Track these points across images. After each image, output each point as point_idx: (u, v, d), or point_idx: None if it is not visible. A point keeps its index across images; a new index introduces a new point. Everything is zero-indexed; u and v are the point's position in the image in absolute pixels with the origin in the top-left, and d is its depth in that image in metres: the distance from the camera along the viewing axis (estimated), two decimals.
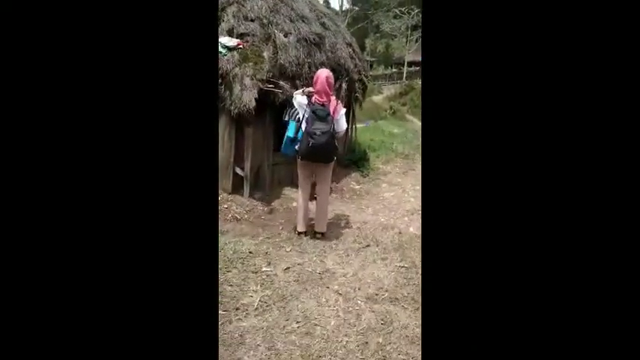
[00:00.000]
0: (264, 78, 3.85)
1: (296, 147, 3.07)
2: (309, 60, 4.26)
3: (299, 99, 3.14)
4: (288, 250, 3.04)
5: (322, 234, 3.31)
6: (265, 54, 3.97)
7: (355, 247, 3.17)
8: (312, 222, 3.44)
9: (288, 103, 4.09)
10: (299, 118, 3.15)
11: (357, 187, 4.96)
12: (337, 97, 3.83)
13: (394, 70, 26.57)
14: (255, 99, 3.69)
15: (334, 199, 4.56)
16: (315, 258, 2.92)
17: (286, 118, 4.05)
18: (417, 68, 24.90)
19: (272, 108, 4.16)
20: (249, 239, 3.18)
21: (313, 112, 2.94)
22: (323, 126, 2.89)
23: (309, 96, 3.07)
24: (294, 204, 4.20)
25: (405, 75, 25.01)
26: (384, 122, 10.19)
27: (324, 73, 3.04)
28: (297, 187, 4.46)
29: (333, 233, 3.45)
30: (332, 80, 3.08)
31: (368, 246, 3.20)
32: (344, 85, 4.58)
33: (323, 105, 2.98)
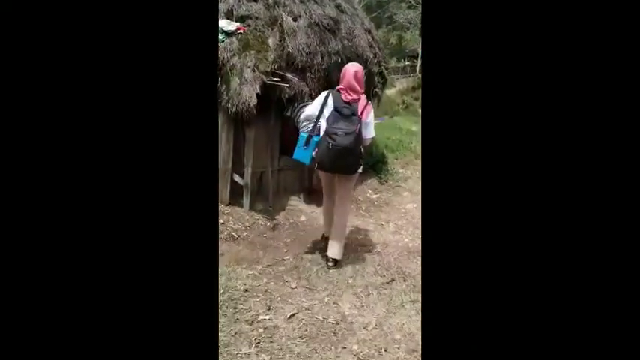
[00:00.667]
0: (269, 70, 3.23)
1: (312, 153, 2.49)
2: (321, 48, 3.61)
3: (308, 111, 2.60)
4: (293, 286, 2.43)
5: (336, 261, 2.71)
6: (270, 41, 3.34)
7: (377, 281, 2.55)
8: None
9: (295, 99, 3.47)
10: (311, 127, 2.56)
11: (375, 196, 4.33)
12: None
13: (407, 62, 25.67)
14: (257, 95, 3.06)
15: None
16: (327, 299, 2.31)
17: (288, 114, 3.52)
18: None
19: (277, 105, 3.53)
20: (246, 269, 2.58)
21: (337, 109, 2.40)
22: (347, 126, 2.35)
23: (338, 91, 2.51)
24: (302, 218, 3.60)
25: (418, 68, 24.13)
26: (400, 118, 9.48)
27: (353, 68, 2.52)
28: (305, 195, 3.89)
29: (348, 260, 2.83)
30: (362, 75, 2.54)
31: (392, 280, 2.57)
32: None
33: (349, 103, 2.43)
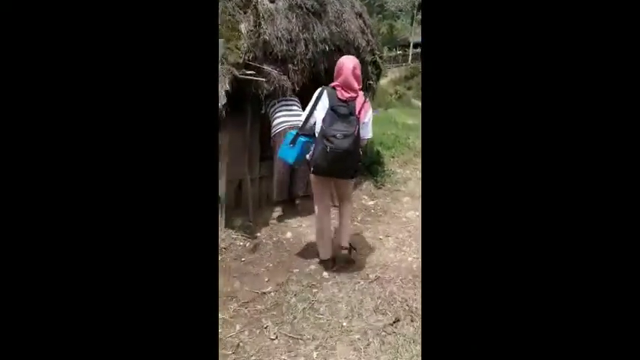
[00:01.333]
0: (241, 61, 2.69)
1: (307, 156, 2.30)
2: (305, 35, 3.06)
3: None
4: (272, 336, 1.92)
5: (349, 249, 2.67)
6: (242, 26, 2.79)
7: (378, 323, 2.05)
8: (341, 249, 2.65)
9: (276, 96, 2.94)
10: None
11: (371, 203, 3.82)
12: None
13: (399, 52, 25.17)
14: (226, 92, 2.52)
15: (336, 218, 3.43)
16: (315, 354, 1.80)
17: (264, 111, 3.16)
18: None
19: (254, 103, 3.00)
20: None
21: (333, 109, 2.19)
22: (345, 127, 2.16)
23: (333, 89, 2.29)
24: (288, 234, 3.08)
25: (410, 57, 23.62)
26: (395, 110, 8.96)
27: (350, 62, 2.28)
28: (292, 205, 3.38)
29: (341, 292, 2.33)
30: (360, 72, 2.32)
31: (397, 321, 2.07)
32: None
33: (347, 102, 2.22)
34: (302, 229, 3.22)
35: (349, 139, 2.11)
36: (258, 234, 3.06)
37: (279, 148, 2.99)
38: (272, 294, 2.31)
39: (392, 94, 16.61)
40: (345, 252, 2.62)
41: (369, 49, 3.64)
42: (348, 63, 2.26)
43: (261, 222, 3.21)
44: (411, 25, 24.72)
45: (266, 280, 2.48)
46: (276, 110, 3.09)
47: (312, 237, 3.08)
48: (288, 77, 3.01)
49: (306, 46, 3.06)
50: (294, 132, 2.35)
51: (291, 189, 3.24)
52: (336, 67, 2.30)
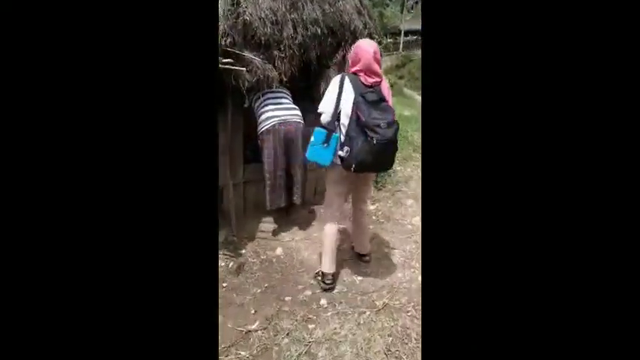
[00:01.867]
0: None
1: (341, 152, 1.99)
2: (293, 15, 2.60)
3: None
4: None
5: (369, 256, 2.54)
6: (219, 5, 2.31)
7: None
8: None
9: (260, 88, 2.49)
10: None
11: (372, 207, 3.40)
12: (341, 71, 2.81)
13: (389, 40, 24.58)
14: None
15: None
16: None
17: (247, 106, 2.73)
18: (415, 37, 23.07)
19: (235, 96, 2.53)
20: None
21: (362, 96, 1.94)
22: (383, 115, 1.93)
23: (354, 74, 2.04)
24: (278, 250, 2.65)
25: (401, 45, 23.11)
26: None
27: (370, 47, 2.04)
28: (282, 214, 2.94)
29: (343, 327, 1.91)
30: (380, 56, 2.09)
31: None
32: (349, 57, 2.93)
33: (372, 87, 2.01)
34: (295, 243, 2.78)
35: (393, 128, 1.90)
36: (243, 251, 2.63)
37: (266, 147, 2.57)
38: (259, 332, 1.88)
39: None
40: (368, 259, 2.52)
41: (366, 32, 3.18)
42: (367, 47, 2.02)
43: (246, 236, 2.77)
44: (401, 12, 24.17)
45: (252, 312, 2.05)
46: (263, 104, 2.63)
47: (306, 253, 2.66)
48: (274, 66, 2.55)
49: (295, 28, 2.60)
50: (321, 130, 2.02)
51: (287, 195, 2.80)
52: (353, 53, 2.07)
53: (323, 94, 3.02)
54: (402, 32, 23.18)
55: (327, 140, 2.00)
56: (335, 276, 2.30)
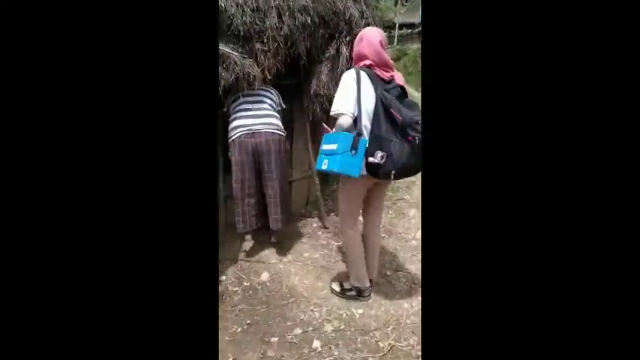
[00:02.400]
0: None
1: (373, 159, 1.65)
2: (277, 2, 2.21)
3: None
4: None
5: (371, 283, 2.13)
6: None
7: None
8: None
9: (240, 88, 2.12)
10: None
11: None
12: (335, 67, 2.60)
13: (384, 33, 24.17)
14: None
15: (329, 248, 2.65)
16: None
17: (225, 109, 2.37)
18: (410, 31, 22.72)
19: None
20: None
21: (387, 92, 1.71)
22: (415, 111, 1.72)
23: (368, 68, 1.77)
24: (264, 275, 2.28)
25: (396, 39, 22.73)
26: None
27: (376, 35, 1.80)
28: (263, 232, 2.57)
29: None
30: (386, 43, 1.84)
31: None
32: (345, 49, 2.56)
33: (390, 82, 1.77)
34: (284, 265, 2.42)
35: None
36: (223, 277, 2.26)
37: (233, 162, 2.24)
38: None
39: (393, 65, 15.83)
40: (371, 288, 2.13)
41: (364, 22, 2.80)
42: (373, 36, 1.77)
43: (226, 259, 2.40)
44: (395, 5, 23.77)
45: (231, 359, 1.68)
46: (235, 110, 2.26)
47: (296, 278, 2.29)
48: (256, 61, 2.17)
49: (280, 17, 2.21)
50: (346, 134, 1.66)
51: (259, 219, 2.39)
52: (359, 44, 1.79)
53: (313, 93, 2.68)
54: (397, 26, 22.78)
55: (354, 145, 1.64)
56: (371, 282, 2.12)
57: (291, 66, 2.46)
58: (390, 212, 3.19)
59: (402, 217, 3.11)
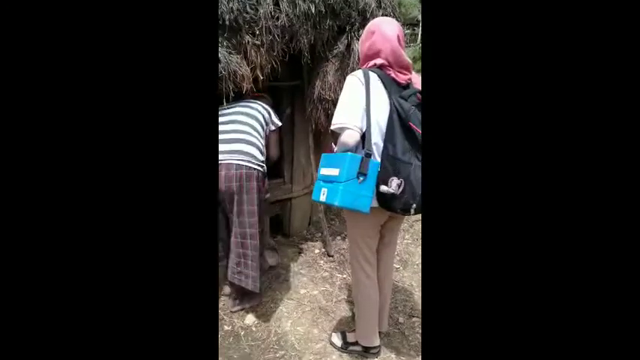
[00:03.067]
0: None
1: (386, 187, 1.25)
2: None
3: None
4: None
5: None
6: None
7: None
8: None
9: (226, 96, 1.73)
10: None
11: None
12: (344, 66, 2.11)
13: (407, 31, 23.59)
14: None
15: (332, 282, 2.23)
16: None
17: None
18: None
19: None
20: None
21: (405, 100, 1.27)
22: None
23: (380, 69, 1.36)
24: (248, 319, 1.90)
25: (419, 37, 22.09)
26: None
27: (392, 27, 1.36)
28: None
29: None
30: (404, 38, 1.39)
31: None
32: (357, 45, 2.12)
33: (407, 87, 1.35)
34: (274, 304, 2.02)
35: None
36: None
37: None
38: None
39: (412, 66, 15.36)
40: (380, 346, 1.70)
41: (380, 13, 2.35)
42: (389, 28, 1.35)
43: None
44: (420, 2, 23.13)
45: None
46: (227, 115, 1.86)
47: (288, 322, 1.89)
48: (245, 57, 1.77)
49: (277, 4, 1.80)
50: (352, 155, 1.25)
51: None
52: (367, 38, 1.39)
53: (317, 96, 2.25)
54: (421, 23, 22.13)
55: (362, 170, 1.24)
56: (380, 335, 1.71)
57: (290, 64, 2.04)
58: (407, 237, 2.74)
59: (415, 240, 2.66)
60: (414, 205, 1.22)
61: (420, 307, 2.00)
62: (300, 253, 2.51)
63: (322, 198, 1.30)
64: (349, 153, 1.26)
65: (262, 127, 1.88)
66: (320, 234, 2.68)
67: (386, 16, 2.43)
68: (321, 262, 2.42)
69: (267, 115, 1.92)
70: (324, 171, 1.35)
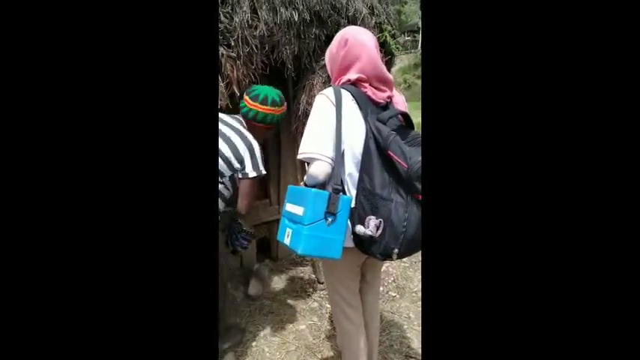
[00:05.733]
0: None
1: (362, 228, 1.05)
2: None
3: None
4: None
5: None
6: None
7: None
8: None
9: None
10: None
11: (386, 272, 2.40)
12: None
13: (407, 37, 23.55)
14: None
15: (320, 315, 2.04)
16: None
17: None
18: None
19: None
20: None
21: (382, 123, 1.08)
22: (415, 151, 1.06)
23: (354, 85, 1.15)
24: (227, 358, 1.69)
25: (420, 43, 22.03)
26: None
27: (369, 38, 1.18)
28: None
29: None
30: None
31: None
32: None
33: (386, 106, 1.16)
34: (256, 342, 1.82)
35: None
36: None
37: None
38: None
39: (401, 84, 15.25)
40: None
41: (373, 21, 2.18)
42: (364, 36, 1.17)
43: None
44: (421, 9, 23.16)
45: None
46: None
47: None
48: (220, 73, 1.59)
49: (255, 11, 1.63)
50: (317, 192, 1.04)
51: None
52: (339, 48, 1.18)
53: (303, 112, 2.07)
54: (421, 29, 22.03)
55: (331, 209, 1.03)
56: None
57: (272, 77, 1.86)
58: (404, 260, 2.54)
59: (420, 267, 2.46)
60: (396, 250, 1.03)
61: (420, 347, 1.80)
62: (288, 280, 2.32)
63: (286, 241, 1.09)
64: (313, 189, 1.04)
65: (229, 166, 1.45)
66: (310, 258, 2.48)
67: (379, 24, 2.27)
68: (310, 289, 2.22)
69: (242, 153, 1.45)
70: (289, 207, 1.14)
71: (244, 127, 1.50)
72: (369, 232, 1.02)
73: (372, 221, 1.02)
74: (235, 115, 1.54)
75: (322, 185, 1.09)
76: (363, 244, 1.06)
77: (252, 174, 1.46)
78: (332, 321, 1.98)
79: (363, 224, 1.03)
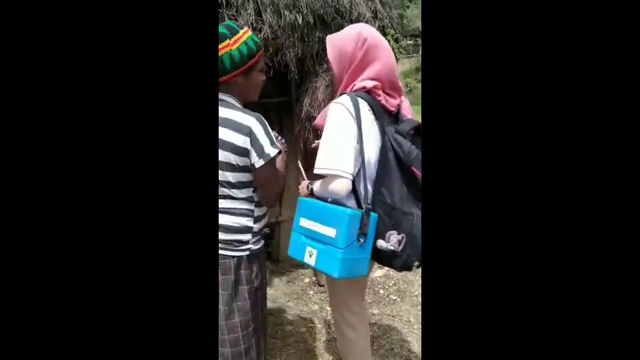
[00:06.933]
0: None
1: (384, 243, 1.02)
2: None
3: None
4: None
5: None
6: None
7: None
8: None
9: None
10: None
11: (378, 273, 2.41)
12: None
13: (409, 41, 23.63)
14: None
15: (320, 317, 2.04)
16: None
17: None
18: None
19: None
20: None
21: (401, 134, 1.06)
22: None
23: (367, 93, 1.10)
24: None
25: (421, 48, 22.10)
26: None
27: (384, 40, 1.15)
28: None
29: None
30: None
31: None
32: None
33: (397, 114, 1.16)
34: None
35: None
36: None
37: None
38: None
39: (402, 88, 15.29)
40: None
41: (376, 25, 2.19)
42: (383, 39, 1.14)
43: None
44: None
45: None
46: None
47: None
48: None
49: (259, 14, 1.64)
50: (352, 213, 1.00)
51: None
52: (359, 47, 1.09)
53: (306, 115, 2.08)
54: (421, 34, 22.07)
55: (363, 230, 1.00)
56: None
57: (275, 80, 1.87)
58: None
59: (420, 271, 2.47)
60: (417, 263, 1.02)
61: (420, 350, 1.80)
62: (288, 282, 2.32)
63: (310, 261, 1.05)
64: (348, 210, 1.00)
65: (234, 169, 1.06)
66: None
67: (383, 27, 2.28)
68: (311, 292, 2.23)
69: (242, 144, 1.03)
70: (307, 224, 1.08)
71: (238, 107, 1.08)
72: (391, 247, 1.01)
73: (394, 237, 1.02)
74: (224, 98, 1.08)
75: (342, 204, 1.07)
76: (381, 257, 1.06)
77: (259, 163, 1.03)
78: (333, 323, 1.98)
79: (383, 238, 1.03)
